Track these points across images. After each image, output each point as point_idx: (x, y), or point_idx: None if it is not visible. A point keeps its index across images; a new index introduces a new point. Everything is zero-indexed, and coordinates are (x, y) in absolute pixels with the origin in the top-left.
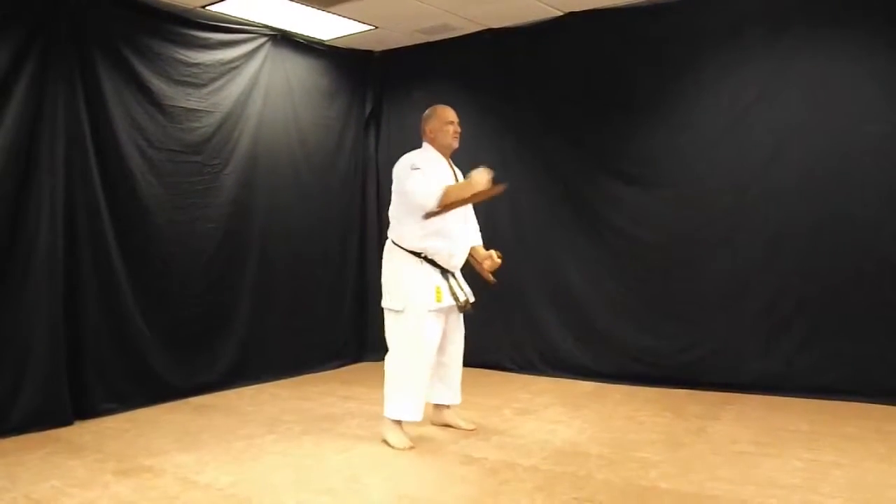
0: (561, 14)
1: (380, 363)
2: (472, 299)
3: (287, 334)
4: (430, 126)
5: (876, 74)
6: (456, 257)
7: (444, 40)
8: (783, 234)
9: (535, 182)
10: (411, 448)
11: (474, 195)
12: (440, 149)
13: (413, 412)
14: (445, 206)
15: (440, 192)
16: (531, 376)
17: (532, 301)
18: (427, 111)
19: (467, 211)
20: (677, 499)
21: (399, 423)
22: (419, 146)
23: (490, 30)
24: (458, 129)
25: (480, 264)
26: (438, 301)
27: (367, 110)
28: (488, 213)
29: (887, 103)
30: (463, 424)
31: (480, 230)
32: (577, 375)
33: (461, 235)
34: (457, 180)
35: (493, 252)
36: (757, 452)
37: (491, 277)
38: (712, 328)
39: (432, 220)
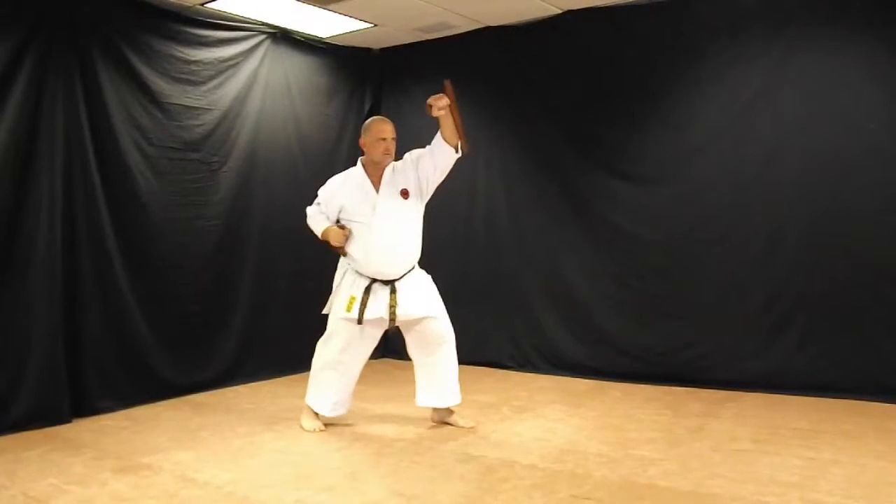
0: (559, 12)
1: (378, 362)
2: (401, 317)
3: (285, 332)
4: (363, 139)
5: (875, 73)
6: (372, 264)
7: (443, 38)
8: (782, 231)
9: (534, 180)
10: (321, 430)
11: (327, 243)
12: (369, 164)
13: (319, 405)
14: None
15: (318, 230)
16: (530, 374)
17: (531, 299)
18: (366, 122)
19: (402, 220)
20: (676, 496)
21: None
22: (417, 145)
23: (489, 28)
24: (391, 147)
25: (441, 114)
26: (347, 311)
27: (366, 108)
28: (488, 213)
29: (886, 102)
30: (461, 422)
31: (480, 228)
32: (576, 373)
33: (388, 246)
34: (377, 191)
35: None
36: (756, 450)
37: (451, 123)
38: (711, 326)
39: (354, 228)
